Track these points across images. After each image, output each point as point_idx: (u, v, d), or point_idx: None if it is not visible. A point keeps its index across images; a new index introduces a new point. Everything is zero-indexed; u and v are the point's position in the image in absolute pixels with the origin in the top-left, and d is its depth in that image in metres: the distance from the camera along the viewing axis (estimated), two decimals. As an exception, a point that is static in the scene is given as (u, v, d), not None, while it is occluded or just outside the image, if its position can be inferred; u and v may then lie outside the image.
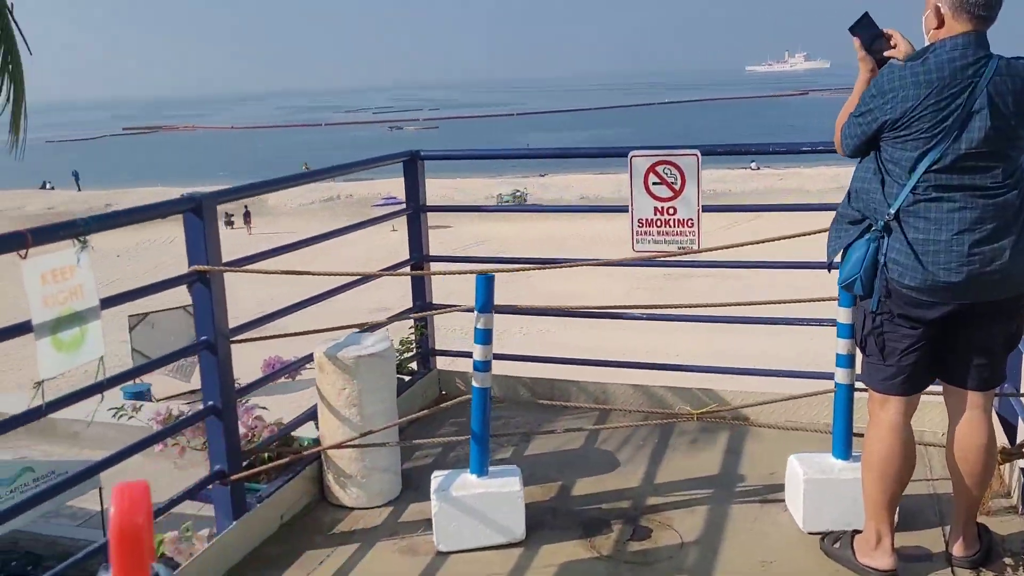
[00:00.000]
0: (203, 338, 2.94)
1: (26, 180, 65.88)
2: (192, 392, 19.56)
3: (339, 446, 3.29)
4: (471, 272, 3.08)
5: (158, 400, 17.76)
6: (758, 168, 55.40)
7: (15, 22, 5.23)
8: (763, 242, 3.65)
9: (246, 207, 43.83)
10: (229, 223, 40.78)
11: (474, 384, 3.06)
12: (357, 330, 3.58)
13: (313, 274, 3.29)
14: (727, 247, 3.87)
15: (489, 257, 5.29)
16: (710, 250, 3.88)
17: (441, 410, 3.78)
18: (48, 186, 60.30)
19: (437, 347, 4.71)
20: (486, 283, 3.04)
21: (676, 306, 4.25)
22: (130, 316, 18.74)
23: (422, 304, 4.53)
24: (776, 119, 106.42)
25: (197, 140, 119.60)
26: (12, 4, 5.24)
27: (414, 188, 4.35)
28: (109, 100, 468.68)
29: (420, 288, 4.52)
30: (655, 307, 5.34)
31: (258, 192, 3.52)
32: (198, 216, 2.88)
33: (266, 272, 3.24)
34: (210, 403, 2.99)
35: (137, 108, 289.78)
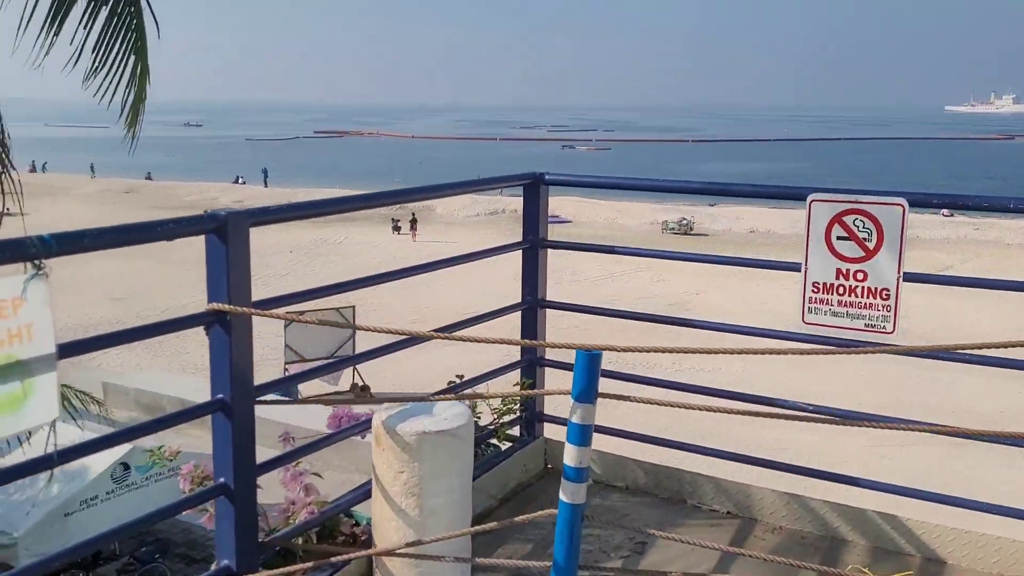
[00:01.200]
0: (217, 396, 2.30)
1: (224, 173, 71.14)
2: (338, 393, 19.82)
3: (386, 552, 2.56)
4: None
5: (306, 400, 18.07)
6: (951, 215, 50.84)
7: (154, 16, 4.92)
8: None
9: (413, 213, 44.80)
10: (396, 228, 41.76)
11: (561, 497, 2.25)
12: (432, 395, 2.85)
13: (372, 330, 2.60)
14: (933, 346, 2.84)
15: (619, 311, 4.36)
16: (908, 347, 2.87)
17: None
18: (240, 181, 64.46)
19: (546, 411, 3.92)
20: (589, 363, 2.22)
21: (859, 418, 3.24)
22: (286, 312, 19.22)
23: (532, 359, 3.75)
24: (975, 164, 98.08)
25: (380, 146, 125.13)
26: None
27: (533, 216, 3.59)
28: (306, 104, 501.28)
29: (530, 333, 3.75)
30: (832, 415, 4.30)
31: (299, 215, 2.78)
32: (222, 240, 2.26)
33: (309, 321, 2.57)
34: (220, 480, 2.35)
35: (329, 112, 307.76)
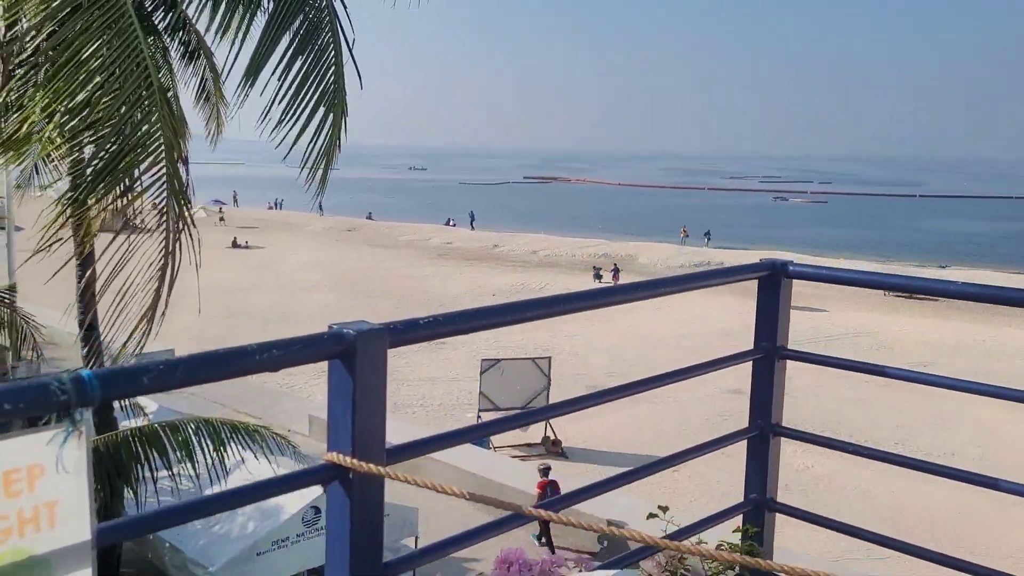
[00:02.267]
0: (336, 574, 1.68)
1: (438, 215, 74.41)
2: (529, 445, 19.46)
3: None
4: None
5: (496, 448, 17.80)
6: None
7: (351, 52, 4.61)
8: None
9: (615, 263, 44.20)
10: (598, 276, 41.32)
11: None
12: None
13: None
14: None
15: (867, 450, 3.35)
16: None
17: None
18: (451, 223, 66.97)
19: (775, 558, 3.03)
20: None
21: None
22: (483, 360, 19.15)
23: (759, 498, 2.89)
24: None
25: (586, 193, 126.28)
26: (352, 42, 4.63)
27: (770, 317, 2.77)
28: (520, 150, 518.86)
29: (759, 467, 2.89)
30: None
31: (448, 332, 1.97)
32: (348, 368, 1.66)
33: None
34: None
35: (540, 158, 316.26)
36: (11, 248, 14.37)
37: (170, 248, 3.91)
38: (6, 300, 10.23)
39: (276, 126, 4.05)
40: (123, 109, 3.72)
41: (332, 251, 50.92)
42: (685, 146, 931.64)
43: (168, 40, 7.62)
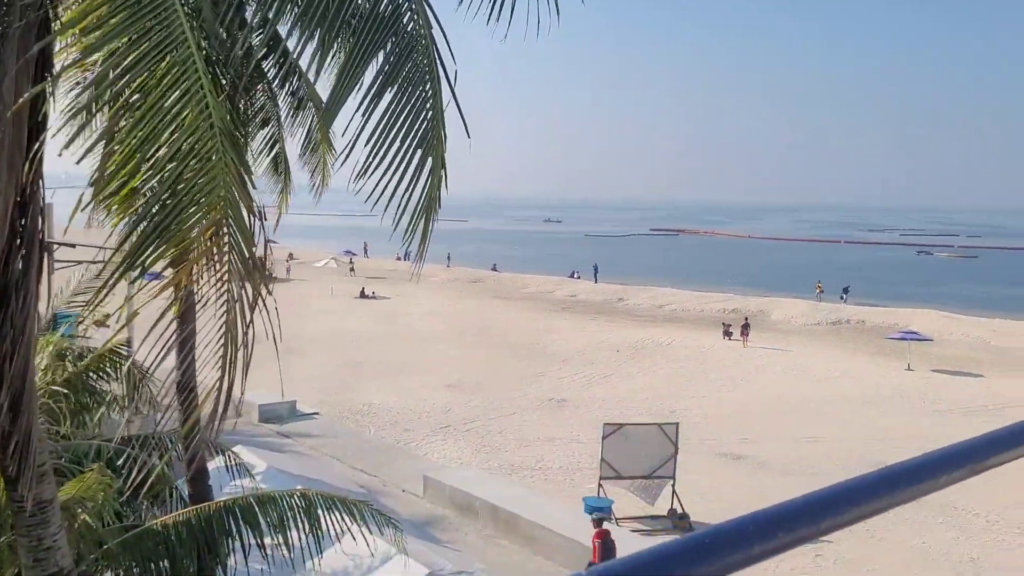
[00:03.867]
0: None
1: (563, 267, 74.07)
2: (653, 518, 18.12)
3: None
4: None
5: (618, 520, 16.59)
6: None
7: (457, 103, 3.95)
8: None
9: (746, 318, 42.17)
10: (727, 333, 39.47)
11: None
12: None
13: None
14: None
15: None
16: None
17: None
18: (576, 275, 66.32)
19: None
20: None
21: None
22: (605, 424, 18.10)
23: None
24: None
25: (715, 245, 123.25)
26: (455, 74, 3.98)
27: None
28: (648, 201, 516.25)
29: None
30: None
31: None
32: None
33: None
34: None
35: (668, 210, 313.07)
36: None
37: (231, 322, 3.30)
38: (123, 352, 10.12)
39: (362, 172, 3.41)
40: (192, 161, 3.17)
41: (456, 302, 51.15)
42: (823, 199, 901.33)
43: (277, 89, 7.27)
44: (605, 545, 12.85)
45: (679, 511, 17.00)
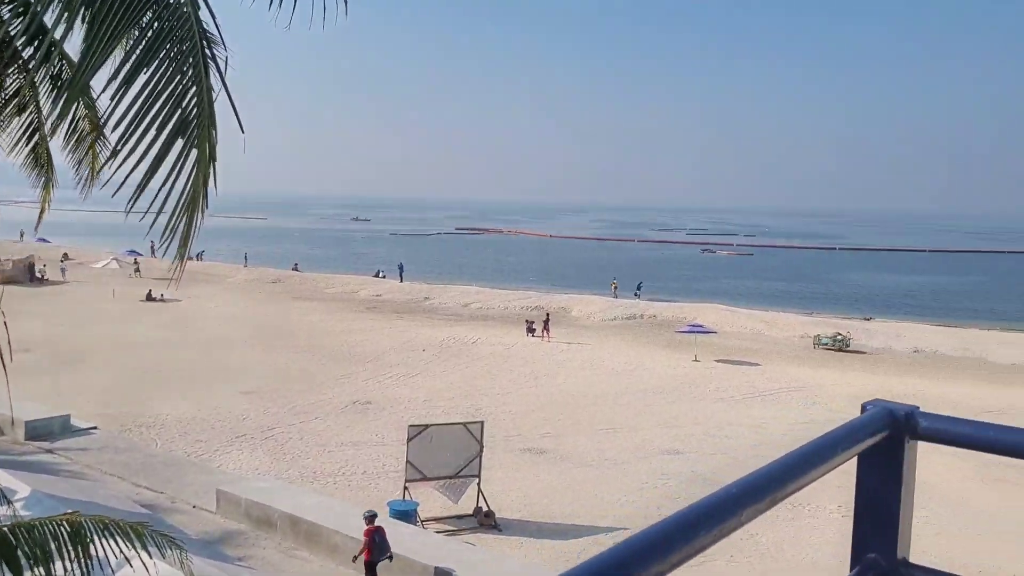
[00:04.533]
0: None
1: (367, 266, 72.88)
2: (459, 518, 18.04)
3: None
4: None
5: (423, 521, 16.38)
6: None
7: (228, 93, 3.55)
8: None
9: (548, 315, 43.47)
10: (531, 330, 40.43)
11: None
12: None
13: None
14: None
15: None
16: None
17: None
18: (381, 274, 65.47)
19: None
20: None
21: None
22: (410, 426, 17.82)
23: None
24: None
25: (517, 244, 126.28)
26: (226, 60, 3.58)
27: (882, 503, 1.57)
28: (453, 201, 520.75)
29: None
30: None
31: None
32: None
33: None
34: None
35: (473, 210, 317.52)
36: None
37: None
38: None
39: (109, 160, 2.96)
40: None
41: (255, 304, 48.92)
42: (619, 199, 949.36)
43: (34, 70, 6.45)
44: (374, 541, 12.95)
45: (485, 508, 17.09)
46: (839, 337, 41.19)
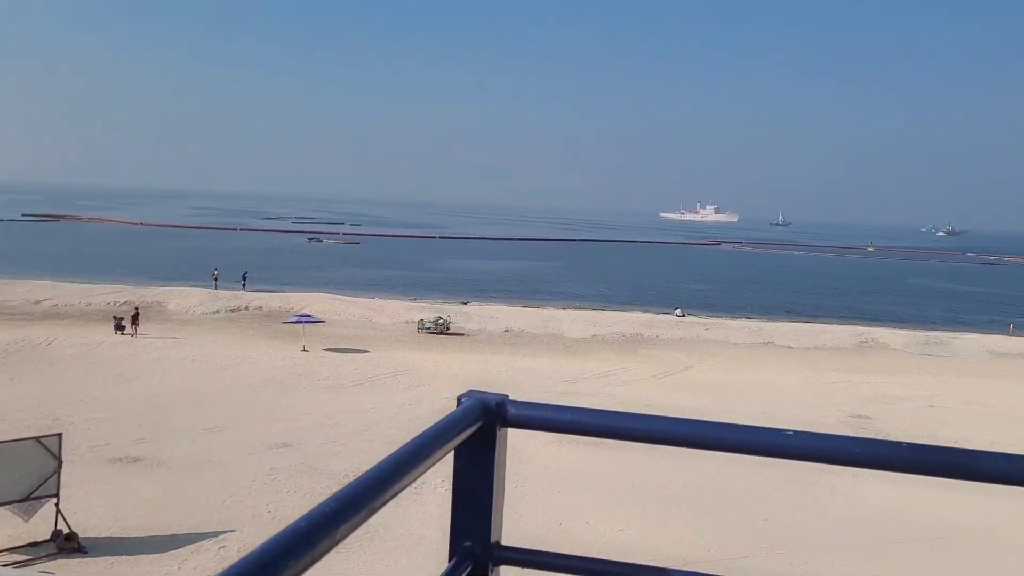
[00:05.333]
0: None
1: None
2: (34, 545, 15.50)
3: None
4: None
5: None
6: (683, 315, 54.60)
7: None
8: None
9: (136, 308, 39.79)
10: (119, 327, 36.62)
11: None
12: None
13: None
14: None
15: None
16: None
17: None
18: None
19: None
20: None
21: None
22: (-26, 445, 14.97)
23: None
24: (689, 265, 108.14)
25: (103, 233, 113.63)
26: None
27: (480, 488, 1.52)
28: (11, 183, 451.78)
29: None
30: None
31: None
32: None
33: None
34: None
35: (43, 194, 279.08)
36: None
37: None
38: None
39: None
40: None
41: None
42: (215, 186, 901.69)
43: None
44: None
45: (66, 531, 15.01)
46: (440, 321, 43.67)
